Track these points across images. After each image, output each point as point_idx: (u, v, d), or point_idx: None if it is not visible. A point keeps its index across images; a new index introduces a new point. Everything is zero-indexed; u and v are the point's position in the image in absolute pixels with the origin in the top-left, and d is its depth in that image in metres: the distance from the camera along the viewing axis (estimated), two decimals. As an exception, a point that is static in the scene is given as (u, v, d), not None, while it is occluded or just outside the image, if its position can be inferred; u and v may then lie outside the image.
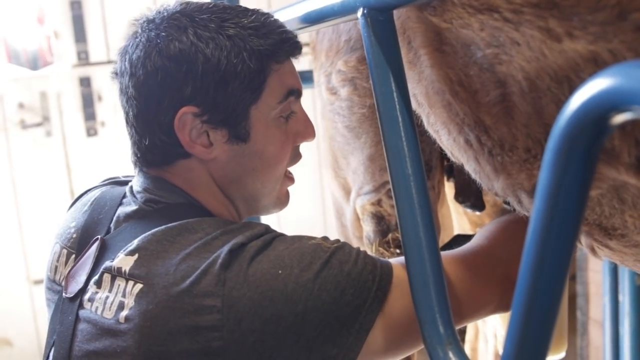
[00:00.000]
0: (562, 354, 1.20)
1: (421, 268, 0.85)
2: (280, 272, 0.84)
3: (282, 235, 0.91)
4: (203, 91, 0.91)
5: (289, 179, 1.06)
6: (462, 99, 0.86)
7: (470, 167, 1.03)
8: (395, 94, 0.85)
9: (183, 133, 0.93)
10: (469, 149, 0.95)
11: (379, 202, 1.39)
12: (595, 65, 0.66)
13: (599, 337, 2.36)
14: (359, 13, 0.84)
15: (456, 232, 1.78)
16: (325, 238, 0.92)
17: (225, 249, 0.85)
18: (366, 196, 1.39)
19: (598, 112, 0.47)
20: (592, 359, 2.47)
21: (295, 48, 0.98)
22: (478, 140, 0.90)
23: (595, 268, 2.27)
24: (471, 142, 0.93)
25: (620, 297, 1.97)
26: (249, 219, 1.09)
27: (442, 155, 1.37)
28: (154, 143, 0.95)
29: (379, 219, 1.41)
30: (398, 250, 1.35)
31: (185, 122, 0.92)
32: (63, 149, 3.22)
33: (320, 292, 0.84)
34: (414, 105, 1.09)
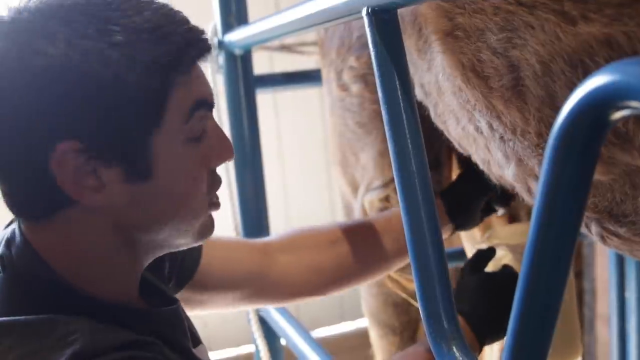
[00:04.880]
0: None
1: (425, 263, 0.85)
2: None
3: None
4: (86, 121, 0.70)
5: (213, 205, 0.83)
6: (474, 85, 0.87)
7: (479, 157, 1.03)
8: (399, 92, 0.86)
9: (65, 176, 0.71)
10: (479, 137, 0.95)
11: (387, 198, 1.40)
12: (610, 48, 0.66)
13: (606, 333, 2.36)
14: (364, 12, 0.85)
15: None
16: None
17: None
18: (375, 191, 1.40)
19: (597, 109, 0.47)
20: (599, 355, 2.47)
21: (203, 49, 0.76)
22: (489, 126, 0.90)
23: (602, 264, 2.28)
24: (481, 129, 0.93)
25: (627, 294, 1.98)
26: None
27: (452, 152, 1.38)
28: (25, 193, 0.74)
29: (387, 215, 1.42)
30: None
31: (67, 162, 0.70)
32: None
33: None
34: (421, 96, 1.10)
